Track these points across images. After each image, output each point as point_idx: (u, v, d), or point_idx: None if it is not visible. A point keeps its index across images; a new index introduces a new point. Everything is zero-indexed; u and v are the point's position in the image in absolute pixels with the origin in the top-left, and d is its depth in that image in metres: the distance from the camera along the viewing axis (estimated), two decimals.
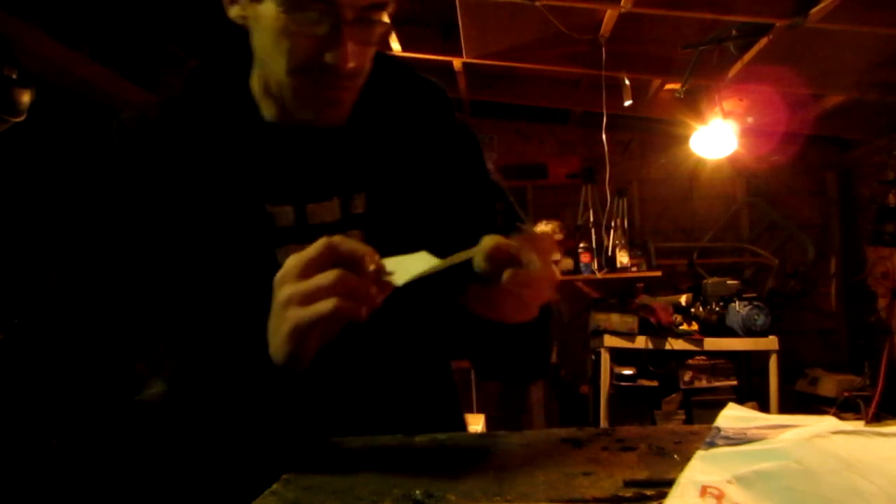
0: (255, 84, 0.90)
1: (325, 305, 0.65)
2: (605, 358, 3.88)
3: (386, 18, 0.82)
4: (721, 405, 0.68)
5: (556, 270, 0.75)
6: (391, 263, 0.70)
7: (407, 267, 0.69)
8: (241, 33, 0.87)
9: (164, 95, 0.93)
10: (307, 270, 0.67)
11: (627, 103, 3.38)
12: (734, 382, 4.00)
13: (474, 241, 0.92)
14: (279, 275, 0.68)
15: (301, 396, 0.72)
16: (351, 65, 0.79)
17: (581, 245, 4.33)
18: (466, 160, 0.99)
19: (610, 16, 2.84)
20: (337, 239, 0.68)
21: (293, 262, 0.68)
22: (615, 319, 3.86)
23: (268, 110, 0.89)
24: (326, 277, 0.65)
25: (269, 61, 0.82)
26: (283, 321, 0.67)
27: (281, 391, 0.72)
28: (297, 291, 0.66)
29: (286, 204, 0.87)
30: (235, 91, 0.90)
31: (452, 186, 0.95)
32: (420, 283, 0.68)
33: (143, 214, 0.84)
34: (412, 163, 0.93)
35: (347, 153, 0.91)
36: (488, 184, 1.00)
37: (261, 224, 0.85)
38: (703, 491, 0.46)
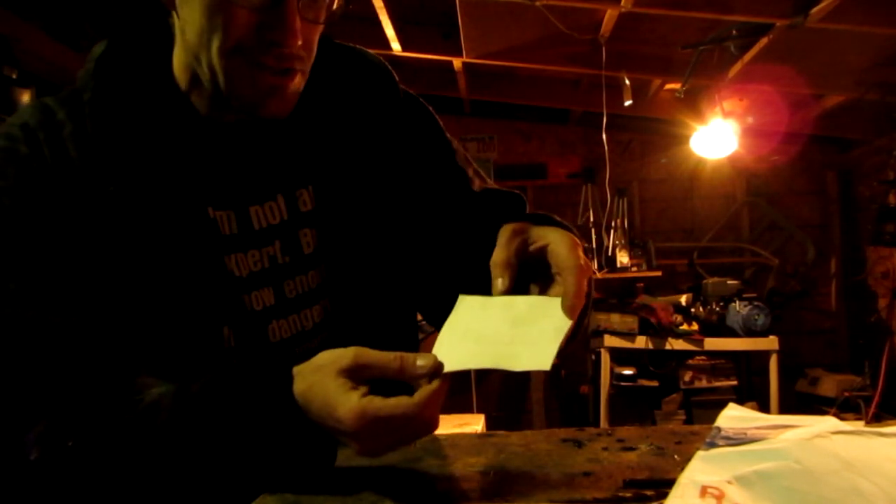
0: (179, 73, 0.78)
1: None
2: (605, 358, 3.88)
3: None
4: (721, 405, 0.68)
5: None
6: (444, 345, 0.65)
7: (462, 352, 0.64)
8: (156, 12, 0.77)
9: (67, 88, 0.79)
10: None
11: (627, 103, 3.37)
12: (734, 382, 4.00)
13: (435, 221, 0.86)
14: (355, 422, 0.60)
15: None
16: (299, 44, 0.70)
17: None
18: (418, 135, 0.91)
19: (610, 16, 2.84)
20: (416, 408, 0.60)
21: (381, 420, 0.61)
22: (615, 319, 3.86)
23: (198, 102, 0.78)
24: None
25: (199, 41, 0.70)
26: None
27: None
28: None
29: (228, 208, 0.78)
30: (157, 82, 0.78)
31: (407, 171, 0.88)
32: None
33: (73, 232, 0.72)
34: (359, 148, 0.85)
35: (288, 144, 0.82)
36: (445, 154, 0.91)
37: (205, 232, 0.76)
38: (704, 491, 0.46)
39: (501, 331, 0.64)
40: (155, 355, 0.72)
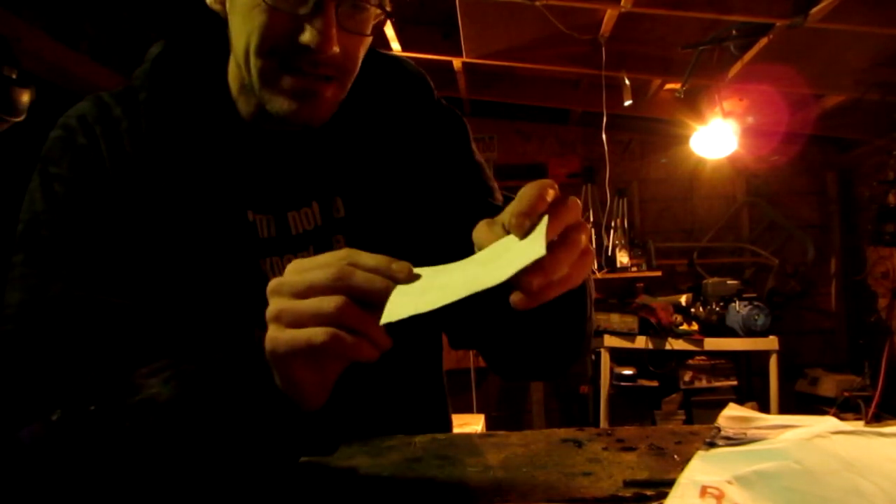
0: (232, 80, 0.82)
1: (316, 334, 0.54)
2: (605, 358, 3.88)
3: (376, 3, 0.73)
4: (721, 405, 0.68)
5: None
6: (425, 275, 0.56)
7: (438, 283, 0.55)
8: (216, 24, 0.79)
9: (124, 85, 0.83)
10: (308, 289, 0.55)
11: (627, 103, 3.37)
12: (734, 382, 4.00)
13: (462, 234, 0.85)
14: (275, 281, 0.58)
15: (305, 427, 0.61)
16: (335, 49, 0.70)
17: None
18: (449, 151, 0.91)
19: (610, 16, 2.84)
20: (355, 259, 0.56)
21: (295, 271, 0.57)
22: (615, 319, 3.86)
23: (244, 109, 0.82)
24: (326, 303, 0.54)
25: (240, 43, 0.73)
26: (267, 340, 0.57)
27: (280, 419, 0.60)
28: (287, 309, 0.56)
29: (267, 212, 0.81)
30: (210, 85, 0.82)
31: (436, 182, 0.88)
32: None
33: (121, 223, 0.76)
34: (392, 158, 0.86)
35: (325, 152, 0.84)
36: (476, 179, 0.91)
37: (244, 234, 0.79)
38: (703, 491, 0.46)
39: (466, 268, 0.56)
40: (185, 348, 0.73)
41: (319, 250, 0.83)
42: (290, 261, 0.80)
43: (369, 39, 0.77)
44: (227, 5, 0.75)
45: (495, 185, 0.93)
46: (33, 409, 0.67)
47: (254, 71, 0.73)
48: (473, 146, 0.94)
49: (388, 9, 0.76)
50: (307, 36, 0.69)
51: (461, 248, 0.84)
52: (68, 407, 0.66)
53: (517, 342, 0.81)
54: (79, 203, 0.75)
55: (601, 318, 3.88)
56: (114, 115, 0.79)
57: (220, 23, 0.79)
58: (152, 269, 0.76)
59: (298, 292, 0.55)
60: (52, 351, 0.70)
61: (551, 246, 0.54)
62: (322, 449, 0.66)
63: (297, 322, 0.55)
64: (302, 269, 0.57)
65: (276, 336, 0.56)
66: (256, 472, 0.63)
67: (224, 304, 0.77)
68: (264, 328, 0.75)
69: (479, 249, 0.59)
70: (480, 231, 0.60)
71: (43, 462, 0.66)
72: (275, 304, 0.57)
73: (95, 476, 0.65)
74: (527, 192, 0.57)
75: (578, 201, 0.60)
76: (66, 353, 0.70)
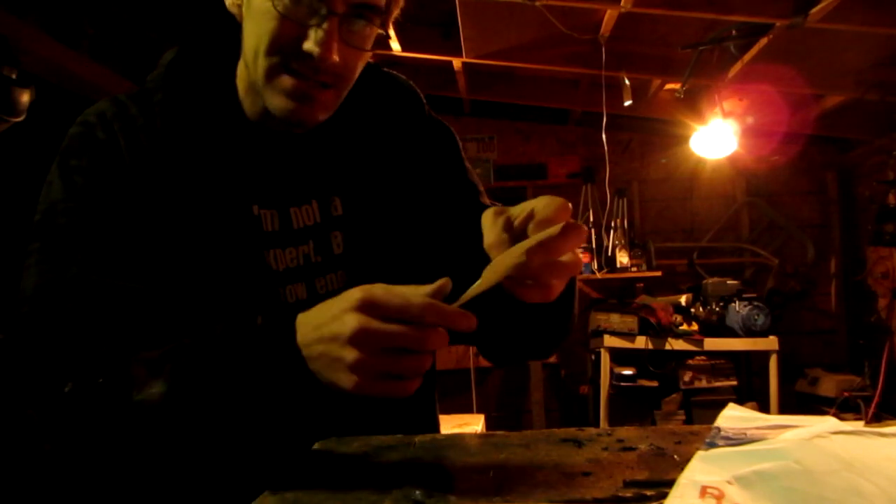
0: (240, 81, 0.88)
1: (391, 387, 0.62)
2: (605, 358, 3.88)
3: (378, 23, 0.81)
4: (721, 405, 0.68)
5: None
6: None
7: None
8: (228, 26, 0.85)
9: (139, 87, 0.89)
10: (393, 336, 0.60)
11: (627, 103, 3.37)
12: (734, 382, 4.00)
13: (451, 232, 0.88)
14: (360, 299, 0.61)
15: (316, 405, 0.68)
16: (334, 58, 0.77)
17: (581, 245, 4.33)
18: (440, 157, 0.98)
19: (610, 16, 2.84)
20: (433, 317, 0.61)
21: (380, 310, 0.61)
22: (615, 319, 3.86)
23: (250, 109, 0.88)
24: (406, 364, 0.61)
25: (250, 45, 0.80)
26: (343, 373, 0.62)
27: (303, 397, 0.67)
28: (372, 364, 0.61)
29: (271, 207, 0.87)
30: (219, 87, 0.88)
31: (428, 185, 0.95)
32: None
33: (136, 213, 0.81)
34: (385, 164, 0.93)
35: (323, 154, 0.90)
36: (464, 181, 0.98)
37: (249, 227, 0.85)
38: (703, 491, 0.46)
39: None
40: (194, 332, 0.75)
41: (318, 245, 0.89)
42: (291, 253, 0.88)
43: (368, 54, 0.84)
44: (244, 9, 0.81)
45: (482, 187, 1.00)
46: (46, 387, 0.71)
47: (260, 69, 0.79)
48: (462, 153, 1.01)
49: (390, 30, 0.80)
50: (310, 44, 0.76)
51: (449, 247, 0.90)
52: (80, 380, 0.69)
53: (510, 327, 0.86)
54: (97, 193, 0.80)
55: (601, 318, 3.88)
56: (130, 114, 0.84)
57: (228, 28, 0.85)
58: (164, 258, 0.80)
59: (386, 337, 0.61)
60: (66, 332, 0.74)
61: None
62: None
63: (378, 370, 0.62)
64: (393, 308, 0.61)
65: (359, 381, 0.62)
66: (278, 451, 0.68)
67: (228, 292, 0.81)
68: (264, 314, 0.77)
69: (485, 235, 0.67)
70: (487, 218, 0.67)
71: (64, 429, 0.71)
72: (361, 339, 0.60)
73: (124, 442, 0.70)
74: (551, 204, 0.66)
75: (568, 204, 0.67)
76: (81, 334, 0.74)
